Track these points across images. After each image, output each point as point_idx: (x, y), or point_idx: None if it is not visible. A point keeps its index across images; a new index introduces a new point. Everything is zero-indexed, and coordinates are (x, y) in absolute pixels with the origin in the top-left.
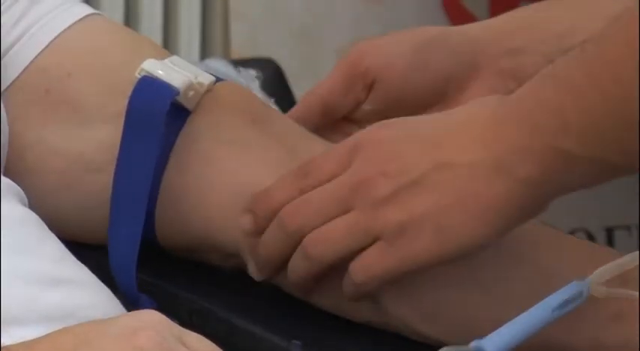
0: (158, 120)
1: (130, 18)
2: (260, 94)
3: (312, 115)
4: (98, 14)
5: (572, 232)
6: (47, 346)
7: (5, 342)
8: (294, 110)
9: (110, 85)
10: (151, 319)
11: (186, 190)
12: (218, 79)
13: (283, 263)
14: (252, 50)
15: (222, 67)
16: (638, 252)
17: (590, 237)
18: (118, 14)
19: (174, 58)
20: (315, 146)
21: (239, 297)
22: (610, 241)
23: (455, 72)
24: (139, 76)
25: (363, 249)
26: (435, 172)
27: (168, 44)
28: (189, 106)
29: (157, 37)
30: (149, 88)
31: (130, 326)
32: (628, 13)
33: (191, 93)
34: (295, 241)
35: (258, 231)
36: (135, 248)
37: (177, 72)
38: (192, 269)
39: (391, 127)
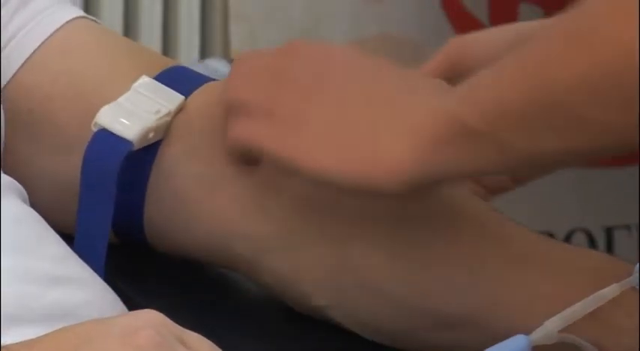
0: (110, 179)
1: (130, 18)
2: None
3: None
4: (82, 17)
5: (571, 232)
6: (48, 346)
7: (5, 341)
8: None
9: (84, 114)
10: (151, 318)
11: (165, 226)
12: (201, 82)
13: None
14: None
15: (222, 67)
16: (591, 298)
17: (590, 237)
18: (118, 14)
19: (143, 80)
20: None
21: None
22: (610, 241)
23: None
24: (94, 130)
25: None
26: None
27: (169, 44)
28: (155, 140)
29: (157, 37)
30: (102, 144)
31: (130, 326)
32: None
33: (151, 135)
34: None
35: None
36: None
37: (132, 118)
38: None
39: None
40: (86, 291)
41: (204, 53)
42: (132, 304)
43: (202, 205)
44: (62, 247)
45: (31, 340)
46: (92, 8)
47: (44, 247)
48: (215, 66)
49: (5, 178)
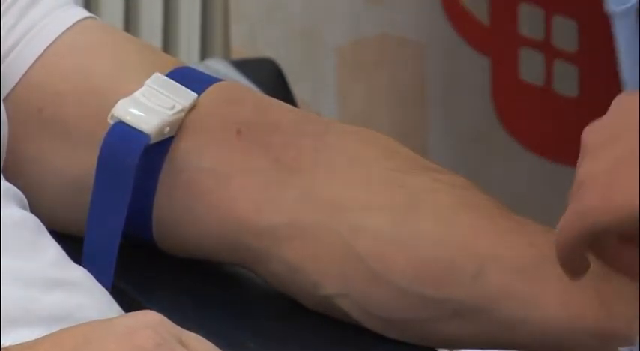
0: (127, 171)
1: (130, 18)
2: None
3: None
4: (90, 18)
5: None
6: (47, 347)
7: (5, 343)
8: None
9: (96, 110)
10: (149, 318)
11: (175, 221)
12: (212, 81)
13: None
14: (252, 50)
15: (223, 67)
16: None
17: None
18: (118, 14)
19: (156, 77)
20: (301, 148)
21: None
22: None
23: None
24: (111, 123)
25: None
26: None
27: (169, 45)
28: (169, 135)
29: (157, 38)
30: (119, 138)
31: (129, 326)
32: None
33: (167, 129)
34: None
35: None
36: None
37: (149, 112)
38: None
39: None
40: (84, 294)
41: (204, 53)
42: (133, 305)
43: (214, 197)
44: (59, 251)
45: (31, 341)
46: (92, 8)
47: (42, 251)
48: (216, 67)
49: (4, 184)
